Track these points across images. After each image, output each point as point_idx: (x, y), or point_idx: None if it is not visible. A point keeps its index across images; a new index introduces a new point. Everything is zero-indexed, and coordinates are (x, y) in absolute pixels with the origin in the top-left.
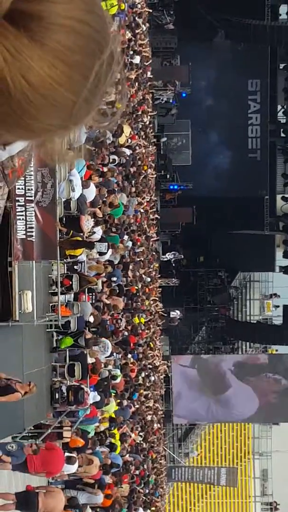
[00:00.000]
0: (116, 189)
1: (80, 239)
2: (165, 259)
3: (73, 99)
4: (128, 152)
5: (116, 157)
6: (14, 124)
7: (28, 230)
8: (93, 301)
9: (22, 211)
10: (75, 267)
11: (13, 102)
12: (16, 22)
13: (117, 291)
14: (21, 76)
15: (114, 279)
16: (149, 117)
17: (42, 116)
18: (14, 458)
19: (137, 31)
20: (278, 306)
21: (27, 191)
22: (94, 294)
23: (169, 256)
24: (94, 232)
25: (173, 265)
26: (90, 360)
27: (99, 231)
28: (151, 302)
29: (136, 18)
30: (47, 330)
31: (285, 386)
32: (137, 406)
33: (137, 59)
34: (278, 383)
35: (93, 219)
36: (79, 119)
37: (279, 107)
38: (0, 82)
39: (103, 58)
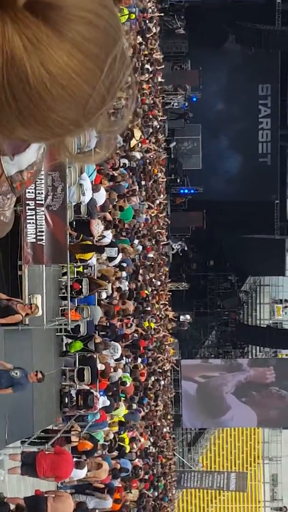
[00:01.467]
0: (127, 194)
1: (90, 243)
2: (174, 251)
3: (88, 91)
4: (138, 156)
5: (126, 161)
6: (29, 116)
7: (38, 234)
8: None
9: (32, 215)
10: (85, 270)
11: (31, 91)
12: (35, 11)
13: (127, 295)
14: (40, 64)
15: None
16: (159, 121)
17: (59, 107)
18: (19, 386)
19: (148, 35)
20: (286, 307)
21: (37, 195)
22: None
23: (175, 246)
24: (104, 236)
25: (180, 255)
26: (99, 365)
27: (109, 235)
28: (161, 306)
29: (147, 22)
30: (56, 334)
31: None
32: (146, 410)
33: (147, 64)
34: (282, 399)
35: (103, 223)
36: (92, 115)
37: None
38: (19, 71)
39: (115, 52)
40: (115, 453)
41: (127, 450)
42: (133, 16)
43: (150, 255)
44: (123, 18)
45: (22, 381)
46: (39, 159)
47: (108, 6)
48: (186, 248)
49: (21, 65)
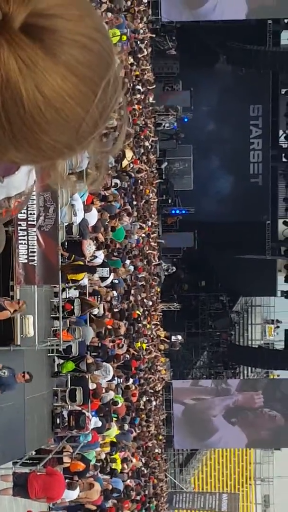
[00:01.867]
0: (119, 214)
1: (82, 263)
2: (166, 274)
3: (82, 114)
4: (130, 176)
5: (118, 181)
6: (23, 139)
7: (30, 254)
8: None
9: (24, 236)
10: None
11: (26, 115)
12: (31, 35)
13: (119, 315)
14: (35, 87)
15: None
16: (151, 141)
17: (52, 131)
18: (7, 386)
19: (139, 56)
20: (278, 327)
21: (29, 216)
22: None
23: (164, 266)
24: (96, 257)
25: (165, 274)
26: (91, 385)
27: (100, 256)
28: (153, 326)
29: (139, 43)
30: (48, 354)
31: (279, 424)
32: (138, 431)
33: (139, 85)
34: (272, 419)
35: (95, 244)
36: (84, 138)
37: (280, 132)
38: (14, 93)
39: (109, 77)
40: (107, 475)
41: (119, 471)
42: (124, 37)
43: (142, 275)
44: (115, 39)
45: (10, 381)
46: (28, 189)
47: (102, 30)
48: (174, 270)
49: (16, 88)
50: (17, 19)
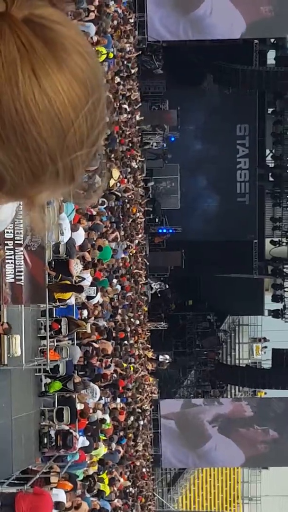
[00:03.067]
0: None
1: (69, 282)
2: (153, 291)
3: (72, 116)
4: (117, 198)
5: (105, 200)
6: (10, 128)
7: (17, 273)
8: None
9: (11, 255)
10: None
11: (19, 96)
12: (32, 27)
13: (106, 335)
14: (32, 71)
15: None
16: (138, 161)
17: (41, 123)
18: None
19: (126, 75)
20: (265, 347)
21: (16, 235)
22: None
23: (155, 286)
24: (84, 278)
25: (159, 295)
26: (78, 404)
27: (88, 278)
28: (140, 345)
29: (125, 62)
30: (35, 374)
31: (274, 437)
32: (125, 450)
33: (126, 104)
34: (266, 433)
35: (82, 263)
36: (68, 152)
37: (267, 151)
38: (10, 73)
39: (99, 93)
40: (95, 497)
41: (107, 493)
42: (111, 55)
43: (129, 294)
44: (102, 57)
45: None
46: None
47: (93, 51)
48: (165, 288)
49: (13, 68)
50: (20, 11)
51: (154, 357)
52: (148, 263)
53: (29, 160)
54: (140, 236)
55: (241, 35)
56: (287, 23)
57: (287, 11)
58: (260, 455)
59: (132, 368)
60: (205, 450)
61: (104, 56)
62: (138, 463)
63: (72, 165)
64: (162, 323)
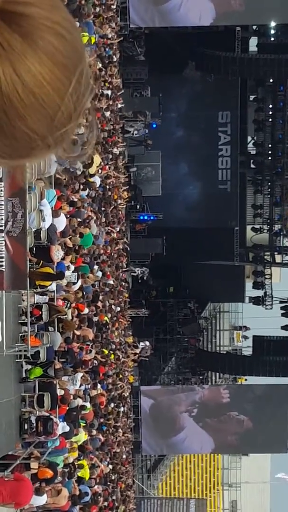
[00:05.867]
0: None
1: (51, 271)
2: (135, 274)
3: (57, 101)
4: (98, 182)
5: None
6: None
7: None
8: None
9: None
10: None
11: (3, 97)
12: (7, 20)
13: (87, 322)
14: (13, 70)
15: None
16: (119, 147)
17: (29, 117)
18: None
19: (107, 61)
20: (247, 337)
21: None
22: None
23: (138, 270)
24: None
25: (139, 282)
26: (59, 391)
27: (71, 269)
28: (121, 332)
29: (107, 49)
30: (16, 360)
31: (248, 426)
32: (106, 436)
33: (107, 90)
34: (241, 424)
35: (63, 249)
36: (58, 130)
37: (249, 138)
38: None
39: (82, 67)
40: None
41: (87, 479)
42: (93, 39)
43: (110, 281)
44: (84, 39)
45: None
46: None
47: (72, 22)
48: (147, 275)
49: None
50: None
51: (134, 344)
52: (129, 250)
53: (20, 147)
54: (121, 223)
55: (210, 23)
56: (256, 14)
57: (257, 3)
58: (229, 442)
59: (112, 356)
60: (176, 440)
61: (86, 38)
62: (118, 450)
63: (63, 137)
64: (143, 309)
